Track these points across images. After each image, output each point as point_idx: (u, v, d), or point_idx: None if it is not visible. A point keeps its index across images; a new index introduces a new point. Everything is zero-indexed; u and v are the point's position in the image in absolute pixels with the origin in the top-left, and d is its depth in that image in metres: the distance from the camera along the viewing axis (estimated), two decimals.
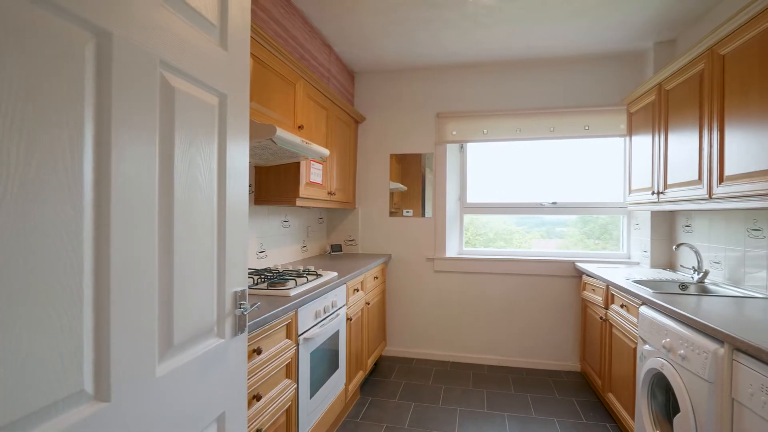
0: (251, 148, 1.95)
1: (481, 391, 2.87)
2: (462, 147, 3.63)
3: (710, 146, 1.91)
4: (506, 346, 3.37)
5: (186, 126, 0.99)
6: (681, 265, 2.71)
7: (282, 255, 2.84)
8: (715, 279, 2.32)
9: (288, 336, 1.77)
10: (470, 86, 3.45)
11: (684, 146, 2.15)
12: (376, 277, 3.21)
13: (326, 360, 2.17)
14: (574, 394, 2.82)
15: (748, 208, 1.69)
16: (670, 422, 1.74)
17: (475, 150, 3.64)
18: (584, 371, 3.05)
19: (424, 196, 3.54)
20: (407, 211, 3.58)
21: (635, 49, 3.06)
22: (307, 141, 2.13)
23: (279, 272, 2.25)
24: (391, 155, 3.61)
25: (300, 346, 1.85)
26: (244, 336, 1.25)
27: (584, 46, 3.00)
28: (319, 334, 2.03)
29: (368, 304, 2.93)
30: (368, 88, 3.65)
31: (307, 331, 1.92)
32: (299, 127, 2.40)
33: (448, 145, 3.52)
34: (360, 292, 2.77)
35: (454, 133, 3.45)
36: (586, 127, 3.19)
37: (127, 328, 0.81)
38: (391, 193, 3.61)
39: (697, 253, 2.36)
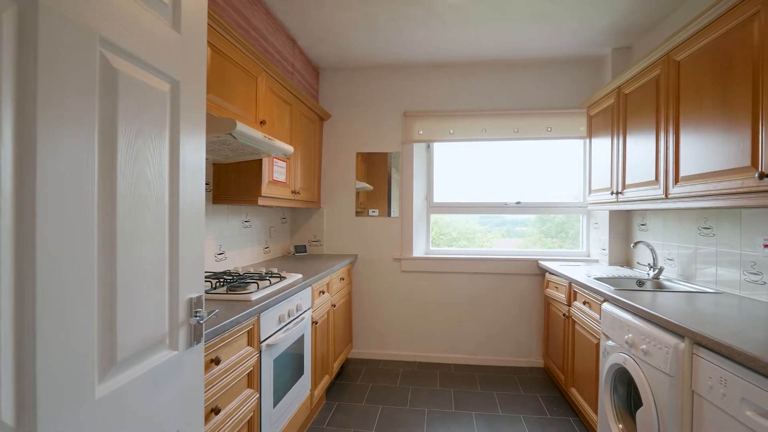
0: (209, 143, 1.83)
1: (448, 391, 2.86)
2: (429, 146, 3.62)
3: (666, 148, 1.99)
4: (473, 345, 3.39)
5: (132, 114, 0.89)
6: (638, 263, 2.83)
7: (243, 257, 2.70)
8: (669, 275, 2.43)
9: (250, 343, 1.67)
10: (437, 86, 3.45)
11: (642, 148, 2.24)
12: (342, 279, 3.13)
13: (291, 366, 2.07)
14: (538, 390, 2.88)
15: (701, 207, 1.77)
16: (632, 416, 1.79)
17: (441, 150, 3.64)
18: (547, 367, 3.12)
19: (390, 195, 3.50)
20: (373, 211, 3.53)
21: (594, 55, 3.16)
22: (270, 137, 2.03)
23: (240, 275, 2.13)
24: (357, 154, 3.54)
25: (263, 353, 1.75)
26: (201, 346, 1.15)
27: (547, 49, 3.07)
28: (283, 340, 1.93)
29: (334, 306, 2.85)
30: (334, 84, 3.56)
31: (270, 336, 1.82)
32: (261, 122, 2.29)
33: (415, 145, 3.49)
34: (326, 294, 2.69)
35: (421, 132, 3.43)
36: (549, 129, 3.27)
37: (58, 346, 0.70)
38: (357, 193, 3.54)
39: (652, 250, 2.46)
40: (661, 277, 2.40)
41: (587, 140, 3.20)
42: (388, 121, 3.49)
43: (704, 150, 1.72)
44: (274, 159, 2.46)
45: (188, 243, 1.08)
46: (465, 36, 2.87)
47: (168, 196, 1.01)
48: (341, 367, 3.25)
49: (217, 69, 1.89)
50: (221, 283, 1.91)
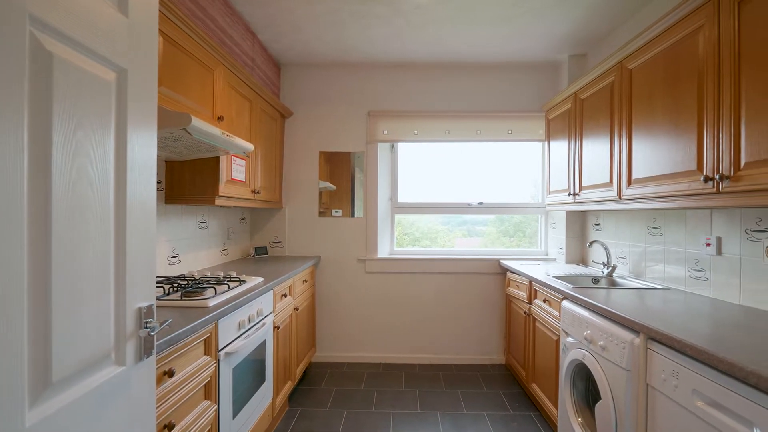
0: (161, 139, 1.71)
1: (413, 391, 2.86)
2: (393, 146, 3.61)
3: (620, 152, 2.09)
4: (437, 344, 3.41)
5: (70, 104, 0.79)
6: (593, 261, 2.96)
7: (198, 260, 2.56)
8: (622, 272, 2.55)
9: (207, 352, 1.57)
10: (402, 86, 3.44)
11: (597, 151, 2.33)
12: (305, 281, 3.05)
13: (251, 374, 1.98)
14: (501, 387, 2.94)
15: (652, 208, 1.86)
16: (591, 409, 1.86)
17: (406, 150, 3.64)
18: (509, 364, 3.20)
19: (354, 195, 3.45)
20: (336, 211, 3.47)
21: (553, 60, 3.28)
22: (229, 134, 1.93)
23: (195, 280, 2.00)
24: (321, 153, 3.47)
25: (221, 362, 1.65)
26: (152, 359, 1.06)
27: (509, 53, 3.14)
28: (243, 347, 1.84)
29: (297, 309, 2.77)
30: (296, 81, 3.46)
31: (229, 344, 1.73)
32: (219, 118, 2.17)
33: (380, 145, 3.47)
34: (288, 297, 2.60)
35: (386, 132, 3.41)
36: (509, 131, 3.35)
37: None
38: (320, 192, 3.47)
39: (606, 249, 2.58)
40: (614, 274, 2.52)
41: (546, 143, 3.31)
42: (352, 120, 3.44)
43: (655, 154, 1.82)
44: (233, 157, 2.35)
45: (138, 247, 0.99)
46: (431, 37, 2.88)
47: (114, 196, 0.92)
48: (304, 372, 3.17)
49: (170, 60, 1.77)
50: (175, 289, 1.79)
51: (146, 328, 1.00)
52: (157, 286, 1.76)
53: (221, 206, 2.71)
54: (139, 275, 1.00)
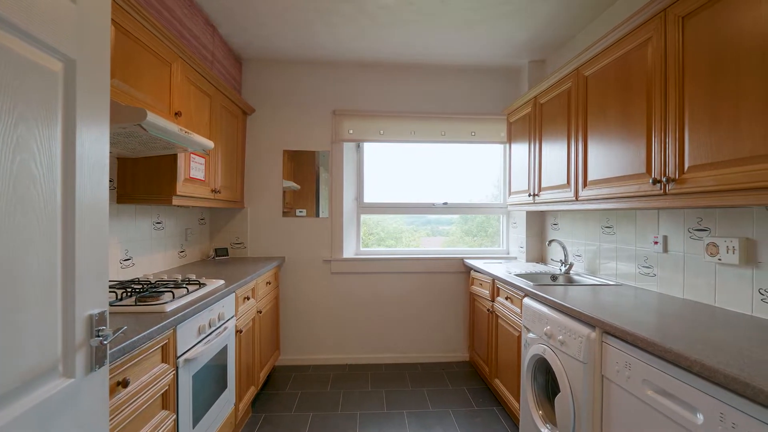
0: (113, 135, 1.60)
1: (380, 392, 2.86)
2: (359, 146, 3.59)
3: (577, 155, 2.18)
4: (402, 343, 3.43)
5: (9, 96, 0.73)
6: (551, 259, 3.08)
7: (154, 263, 2.44)
8: (578, 270, 2.67)
9: (164, 359, 1.49)
10: (368, 85, 3.43)
11: (556, 154, 2.43)
12: (269, 283, 2.98)
13: (212, 380, 1.90)
14: (465, 383, 3.00)
15: (606, 209, 1.96)
16: (551, 402, 1.93)
17: (371, 150, 3.63)
18: (473, 360, 3.27)
19: (319, 195, 3.41)
20: (300, 211, 3.41)
21: (514, 65, 3.38)
22: (187, 130, 1.84)
23: (151, 283, 1.90)
24: (284, 151, 3.39)
25: (180, 370, 1.57)
26: (104, 370, 0.99)
27: (473, 57, 3.21)
28: (203, 353, 1.76)
29: (260, 312, 2.70)
30: (259, 77, 3.37)
31: (188, 351, 1.65)
32: (176, 113, 2.07)
33: (345, 144, 3.44)
34: (251, 300, 2.53)
35: (351, 131, 3.39)
36: (473, 133, 3.42)
37: None
38: (284, 192, 3.40)
39: (564, 248, 2.69)
40: (571, 272, 2.64)
41: (507, 145, 3.41)
42: (316, 119, 3.39)
43: (608, 157, 1.92)
44: (192, 154, 2.25)
45: (88, 250, 0.92)
46: (396, 37, 2.89)
47: (61, 196, 0.85)
48: (268, 377, 3.09)
49: (123, 52, 1.67)
50: (129, 294, 1.69)
51: (98, 336, 0.94)
52: (110, 291, 1.66)
53: (179, 206, 2.59)
54: (91, 280, 0.93)
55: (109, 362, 1.12)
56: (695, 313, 1.57)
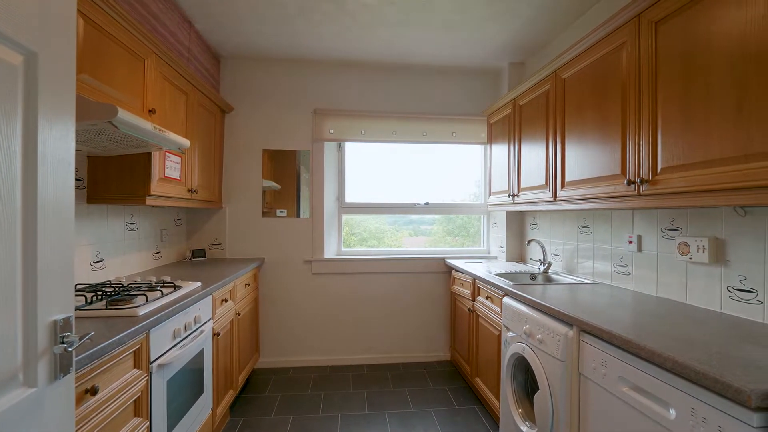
0: (82, 132, 1.54)
1: (361, 393, 2.84)
2: (340, 146, 3.57)
3: (555, 156, 2.22)
4: (384, 344, 3.43)
5: None
6: (530, 258, 3.13)
7: (127, 265, 2.36)
8: (556, 269, 2.72)
9: (137, 365, 1.44)
10: (350, 85, 3.41)
11: (534, 155, 2.46)
12: (248, 284, 2.92)
13: (188, 385, 1.85)
14: (446, 383, 3.01)
15: (583, 209, 2.00)
16: (530, 400, 1.96)
17: (353, 149, 3.61)
18: (454, 359, 3.29)
19: (300, 195, 3.37)
20: (281, 211, 3.36)
21: (495, 67, 3.42)
22: (161, 128, 1.79)
23: (123, 286, 1.84)
24: (264, 150, 3.34)
25: (153, 375, 1.52)
26: (70, 378, 0.94)
27: (454, 58, 3.22)
28: (178, 357, 1.71)
29: (239, 314, 2.64)
30: (238, 75, 3.31)
31: (162, 355, 1.60)
32: (150, 110, 2.01)
33: (326, 144, 3.41)
34: (229, 302, 2.47)
35: (332, 131, 3.36)
36: (454, 134, 3.44)
37: None
38: (264, 192, 3.34)
39: (542, 247, 2.73)
40: (550, 271, 2.68)
41: (488, 146, 3.44)
42: (297, 118, 3.35)
43: (585, 158, 1.95)
44: (167, 153, 2.19)
45: (52, 252, 0.88)
46: (378, 37, 2.88)
47: (21, 195, 0.81)
48: (248, 380, 3.03)
49: (94, 46, 1.61)
50: (99, 297, 1.63)
51: (63, 343, 0.89)
52: (78, 295, 1.59)
53: (153, 206, 2.52)
54: (55, 283, 0.89)
55: (77, 369, 1.07)
56: (668, 310, 1.61)
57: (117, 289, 1.78)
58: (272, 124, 3.35)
